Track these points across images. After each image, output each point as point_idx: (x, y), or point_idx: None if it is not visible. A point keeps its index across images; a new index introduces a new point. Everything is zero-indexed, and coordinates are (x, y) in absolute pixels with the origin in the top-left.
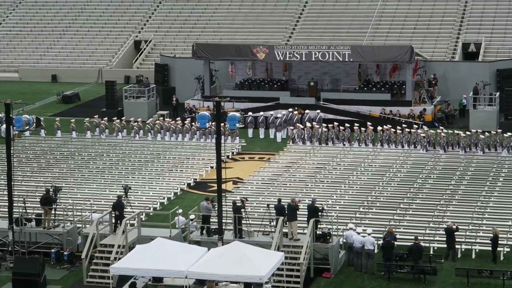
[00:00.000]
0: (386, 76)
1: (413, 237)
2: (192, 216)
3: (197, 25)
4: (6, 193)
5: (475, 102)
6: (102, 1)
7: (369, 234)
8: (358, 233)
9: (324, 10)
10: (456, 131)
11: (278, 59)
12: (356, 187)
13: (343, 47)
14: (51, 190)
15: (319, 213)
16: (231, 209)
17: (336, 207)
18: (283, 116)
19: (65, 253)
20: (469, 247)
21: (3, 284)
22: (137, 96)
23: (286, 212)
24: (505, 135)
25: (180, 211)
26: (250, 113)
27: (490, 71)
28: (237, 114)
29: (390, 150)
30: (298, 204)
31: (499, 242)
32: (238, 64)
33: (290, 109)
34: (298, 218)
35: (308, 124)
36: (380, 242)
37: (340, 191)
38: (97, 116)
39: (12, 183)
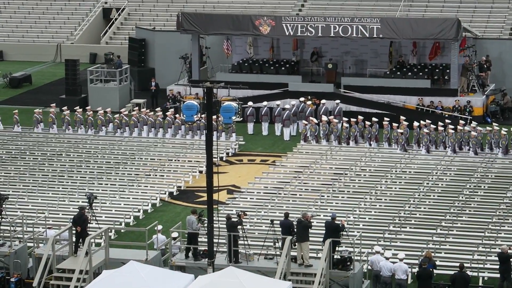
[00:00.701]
0: (425, 57)
1: (457, 264)
2: (174, 234)
3: None
4: None
5: None
6: None
7: (401, 260)
8: (387, 259)
9: None
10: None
11: (286, 34)
12: (386, 199)
13: (371, 20)
14: None
15: (339, 233)
16: (225, 226)
17: (359, 225)
18: (292, 107)
19: (12, 279)
20: None
21: None
22: (106, 79)
23: (296, 230)
24: None
25: (160, 227)
26: (250, 103)
27: None
28: (234, 104)
29: (429, 154)
30: (311, 221)
31: None
32: (236, 40)
33: (302, 99)
34: (311, 238)
35: (325, 118)
36: (415, 270)
37: (365, 204)
38: (54, 105)
39: None
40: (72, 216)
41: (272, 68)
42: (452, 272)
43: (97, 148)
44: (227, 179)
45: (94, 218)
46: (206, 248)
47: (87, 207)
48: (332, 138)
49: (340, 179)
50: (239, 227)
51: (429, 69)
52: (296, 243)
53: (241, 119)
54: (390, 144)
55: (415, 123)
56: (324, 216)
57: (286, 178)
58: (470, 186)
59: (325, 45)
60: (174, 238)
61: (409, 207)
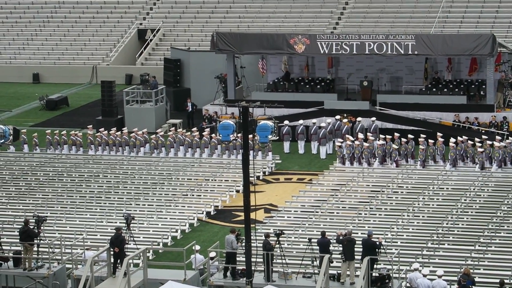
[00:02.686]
0: (460, 73)
1: (497, 281)
2: (212, 254)
3: (217, 9)
4: None
5: None
6: None
7: (439, 277)
8: (425, 276)
9: None
10: None
11: (321, 52)
12: (423, 216)
13: (405, 37)
14: (33, 221)
15: (377, 250)
16: (263, 245)
17: (397, 242)
18: (328, 125)
19: None
20: None
21: None
22: (142, 100)
23: (343, 248)
24: None
25: (198, 247)
26: (286, 122)
27: None
28: (270, 123)
29: (466, 169)
30: (352, 237)
31: None
32: (271, 59)
33: (338, 117)
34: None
35: (361, 136)
36: (454, 287)
37: (402, 222)
38: (90, 126)
39: None
40: (110, 237)
41: (307, 86)
42: None
43: (134, 168)
44: (264, 198)
45: (132, 238)
46: (244, 267)
47: (125, 228)
48: (369, 156)
49: (377, 197)
50: (276, 245)
51: (465, 85)
52: (345, 261)
53: (277, 137)
54: (426, 161)
55: (452, 140)
56: (362, 234)
57: (323, 196)
58: (508, 201)
59: (360, 62)
60: (212, 258)
61: (447, 223)
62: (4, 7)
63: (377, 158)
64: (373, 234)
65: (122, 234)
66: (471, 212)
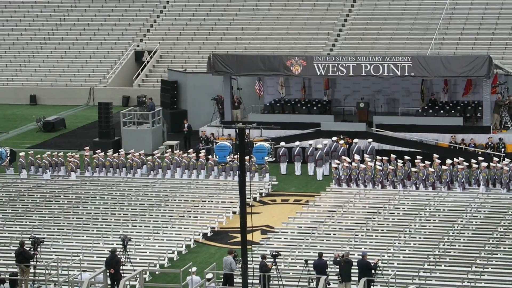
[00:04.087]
0: (456, 95)
1: None
2: (209, 276)
3: (214, 31)
4: None
5: None
6: (93, 2)
7: None
8: None
9: (376, 11)
10: None
11: (318, 73)
12: (420, 238)
13: (402, 59)
14: (29, 242)
15: (373, 271)
16: (259, 266)
17: (393, 263)
18: (325, 146)
19: None
20: None
21: None
22: (139, 122)
23: (339, 269)
24: None
25: (194, 269)
26: (282, 143)
27: None
28: (266, 144)
29: (461, 191)
30: (349, 259)
31: None
32: (268, 81)
33: (335, 138)
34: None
35: (357, 157)
36: None
37: (399, 243)
38: (87, 148)
39: None
40: (105, 259)
41: (304, 108)
42: None
43: (131, 190)
44: (260, 220)
45: (128, 260)
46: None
47: (121, 249)
48: (366, 178)
49: (373, 218)
50: (272, 267)
51: (461, 107)
52: (341, 282)
53: (274, 159)
54: (423, 183)
55: (448, 161)
56: (358, 255)
57: (319, 218)
58: (504, 223)
59: (357, 84)
60: (209, 279)
61: (443, 245)
62: (2, 29)
63: (375, 182)
64: (367, 254)
65: (118, 255)
66: (468, 233)
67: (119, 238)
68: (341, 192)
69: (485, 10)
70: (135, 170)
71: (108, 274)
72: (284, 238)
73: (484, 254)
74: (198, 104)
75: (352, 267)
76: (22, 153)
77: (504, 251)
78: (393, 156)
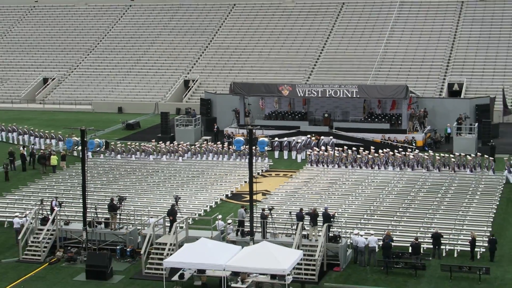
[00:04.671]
0: (386, 109)
1: (406, 239)
2: (229, 221)
3: (234, 67)
4: (81, 201)
5: (458, 130)
6: (159, 47)
7: (371, 235)
8: (362, 236)
9: (336, 55)
10: (442, 154)
11: (299, 95)
12: (361, 199)
13: (352, 86)
14: (116, 199)
15: (331, 219)
16: (260, 215)
17: (344, 215)
18: (303, 141)
19: (128, 249)
20: (452, 247)
21: (78, 274)
22: (186, 124)
23: (310, 219)
24: (490, 158)
25: (220, 216)
26: (276, 139)
27: (470, 106)
28: (266, 139)
29: (388, 170)
30: (317, 212)
31: (476, 244)
32: (267, 99)
33: (309, 136)
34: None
35: (323, 148)
36: (380, 243)
37: (348, 202)
38: (153, 140)
39: (86, 193)
40: (165, 210)
41: (290, 116)
42: (403, 245)
43: (181, 167)
44: (261, 186)
45: (179, 211)
46: (249, 229)
47: (175, 204)
48: (328, 162)
49: (332, 187)
50: (268, 216)
51: (389, 117)
52: (310, 227)
53: (271, 149)
54: (364, 165)
55: (379, 151)
56: (322, 209)
57: (299, 186)
58: (414, 191)
59: (323, 101)
60: (229, 223)
61: (375, 204)
62: (106, 62)
63: (335, 164)
64: (328, 209)
65: (175, 208)
66: (391, 197)
67: (173, 197)
68: (313, 170)
69: (404, 55)
70: (183, 154)
71: (168, 220)
72: (276, 198)
73: (401, 210)
74: (223, 113)
75: (318, 217)
76: (112, 143)
77: (413, 208)
78: (345, 147)
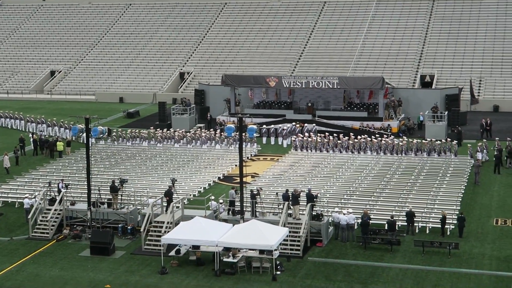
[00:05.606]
0: (364, 98)
1: (382, 218)
2: (221, 201)
3: (226, 60)
4: (86, 183)
5: (432, 118)
6: (157, 42)
7: (350, 213)
8: (343, 214)
9: (319, 49)
10: (415, 140)
11: (285, 86)
12: (341, 181)
13: (333, 78)
14: (117, 181)
15: (314, 199)
16: (250, 195)
17: (326, 195)
18: (288, 128)
19: (129, 227)
20: (424, 225)
21: (83, 250)
22: (182, 113)
23: (291, 198)
24: (452, 143)
25: (212, 197)
26: (264, 126)
27: (441, 96)
28: (255, 126)
29: (366, 155)
30: (300, 193)
31: (446, 221)
32: (256, 90)
33: (293, 123)
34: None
35: (307, 134)
36: (359, 221)
37: (329, 183)
38: (152, 127)
39: (90, 176)
40: (163, 191)
41: (276, 106)
42: (379, 222)
43: (177, 152)
44: (250, 169)
45: (175, 191)
46: (239, 209)
47: (172, 186)
48: (312, 147)
49: (315, 170)
50: (257, 196)
51: (367, 106)
52: (292, 206)
53: (259, 135)
54: (344, 150)
55: (358, 137)
56: (306, 190)
57: (284, 169)
58: (390, 173)
59: (307, 92)
60: (221, 203)
61: (354, 185)
62: (110, 55)
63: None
64: (312, 189)
65: (171, 190)
66: (369, 178)
67: (170, 179)
68: (297, 154)
69: (380, 49)
70: (178, 141)
71: (165, 200)
72: (264, 180)
73: (378, 191)
74: (215, 103)
75: (301, 197)
76: (114, 130)
77: (389, 189)
78: (327, 134)
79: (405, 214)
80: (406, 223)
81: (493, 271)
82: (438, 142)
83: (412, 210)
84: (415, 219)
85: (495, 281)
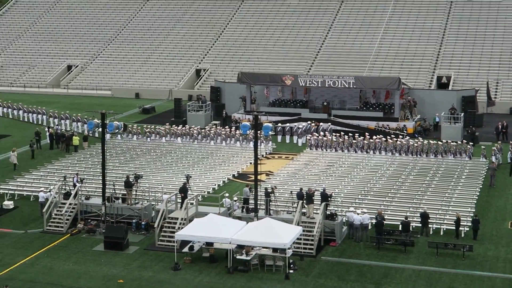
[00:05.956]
0: (380, 98)
1: (396, 218)
2: (235, 198)
3: (242, 58)
4: (101, 178)
5: (448, 119)
6: (174, 39)
7: (364, 213)
8: (357, 214)
9: (336, 49)
10: (431, 141)
11: (301, 85)
12: (356, 181)
13: (349, 77)
14: (132, 176)
15: (329, 199)
16: (264, 193)
17: (341, 195)
18: (303, 127)
19: (143, 223)
20: (438, 226)
21: (97, 244)
22: (197, 110)
23: (305, 197)
24: (468, 145)
25: (227, 194)
26: (279, 124)
27: (457, 97)
28: (270, 124)
29: (381, 155)
30: (314, 192)
31: (461, 223)
32: (271, 88)
33: (309, 122)
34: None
35: (322, 133)
36: (373, 221)
37: (344, 183)
38: (168, 123)
39: (105, 171)
40: (177, 188)
41: (292, 104)
42: (394, 223)
43: (192, 148)
44: (265, 167)
45: (189, 188)
46: (253, 206)
47: (187, 182)
48: (327, 146)
49: (330, 169)
50: (272, 195)
51: (382, 106)
52: (306, 205)
53: (274, 133)
54: (359, 150)
55: (374, 137)
56: (320, 189)
57: (299, 167)
58: (404, 173)
59: (323, 91)
60: (235, 200)
61: (369, 185)
62: (125, 51)
63: (334, 149)
64: (326, 189)
65: (186, 186)
66: (383, 179)
67: (184, 176)
68: (312, 153)
69: (397, 50)
70: (195, 137)
71: (179, 197)
72: (279, 178)
73: (392, 191)
74: (231, 101)
75: (315, 196)
76: (130, 125)
77: (404, 190)
78: (342, 133)
79: (419, 215)
80: (420, 224)
81: (507, 274)
82: (454, 143)
83: (427, 211)
84: (429, 221)
85: (509, 284)
